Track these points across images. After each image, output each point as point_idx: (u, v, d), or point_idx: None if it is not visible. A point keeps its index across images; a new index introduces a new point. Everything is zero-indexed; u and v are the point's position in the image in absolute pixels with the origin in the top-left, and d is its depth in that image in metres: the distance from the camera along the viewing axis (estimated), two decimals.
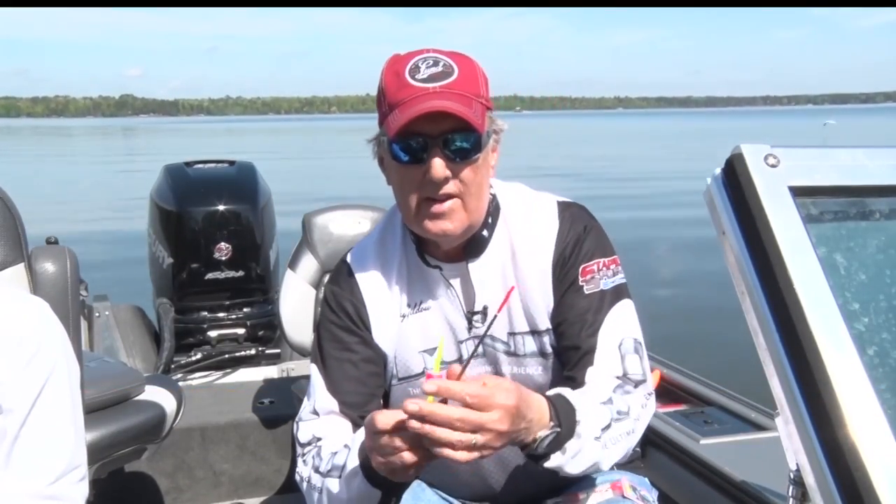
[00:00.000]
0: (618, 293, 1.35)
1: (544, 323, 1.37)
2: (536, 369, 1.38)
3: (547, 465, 1.15)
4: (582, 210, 1.42)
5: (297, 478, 1.37)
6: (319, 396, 1.39)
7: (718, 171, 0.81)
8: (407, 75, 1.26)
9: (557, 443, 1.14)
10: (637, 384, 1.30)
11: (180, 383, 2.46)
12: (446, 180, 1.26)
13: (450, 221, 1.29)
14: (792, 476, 1.16)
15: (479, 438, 1.03)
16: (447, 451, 1.03)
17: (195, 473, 2.88)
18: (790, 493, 1.16)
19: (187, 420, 2.60)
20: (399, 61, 1.30)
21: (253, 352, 3.67)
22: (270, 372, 3.59)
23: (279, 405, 3.03)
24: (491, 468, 1.43)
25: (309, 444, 1.37)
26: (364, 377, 1.40)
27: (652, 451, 2.03)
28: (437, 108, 1.22)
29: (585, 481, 1.45)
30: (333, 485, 1.26)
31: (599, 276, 1.35)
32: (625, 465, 1.52)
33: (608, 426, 1.22)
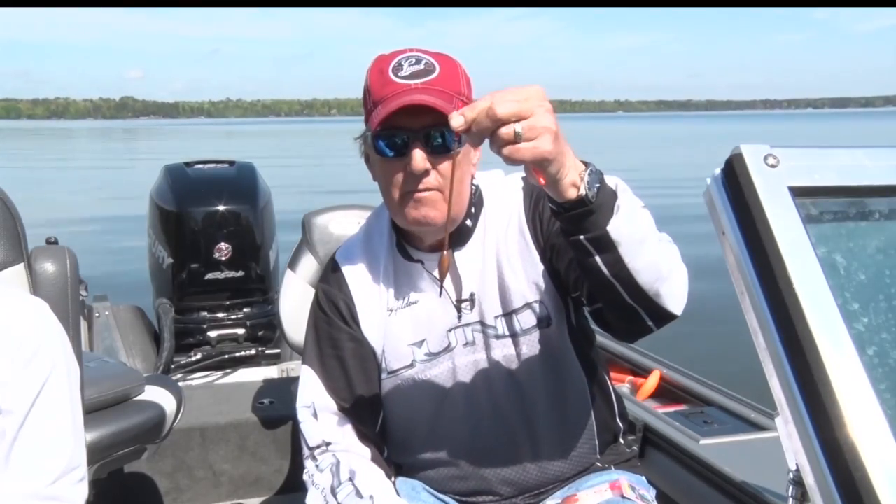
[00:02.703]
0: None
1: (520, 299, 1.38)
2: (519, 348, 1.40)
3: (610, 227, 1.08)
4: None
5: (307, 479, 1.38)
6: (317, 396, 1.41)
7: (718, 171, 0.82)
8: (390, 73, 1.30)
9: (605, 196, 1.08)
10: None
11: (180, 383, 2.46)
12: (427, 173, 1.29)
13: (431, 210, 1.32)
14: (792, 476, 1.16)
15: (520, 125, 0.97)
16: (504, 151, 0.98)
17: (195, 474, 2.87)
18: (790, 494, 1.16)
19: (187, 420, 2.59)
20: (383, 60, 1.33)
21: (253, 352, 3.67)
22: (270, 372, 3.59)
23: (279, 405, 3.02)
24: (486, 465, 1.44)
25: (319, 447, 1.38)
26: (357, 373, 1.42)
27: (651, 450, 2.03)
28: (417, 101, 1.25)
29: (583, 481, 1.46)
30: None
31: None
32: (623, 464, 1.52)
33: (644, 206, 1.19)
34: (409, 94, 1.27)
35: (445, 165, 1.30)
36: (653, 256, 1.15)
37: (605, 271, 1.12)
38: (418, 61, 1.31)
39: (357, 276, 1.44)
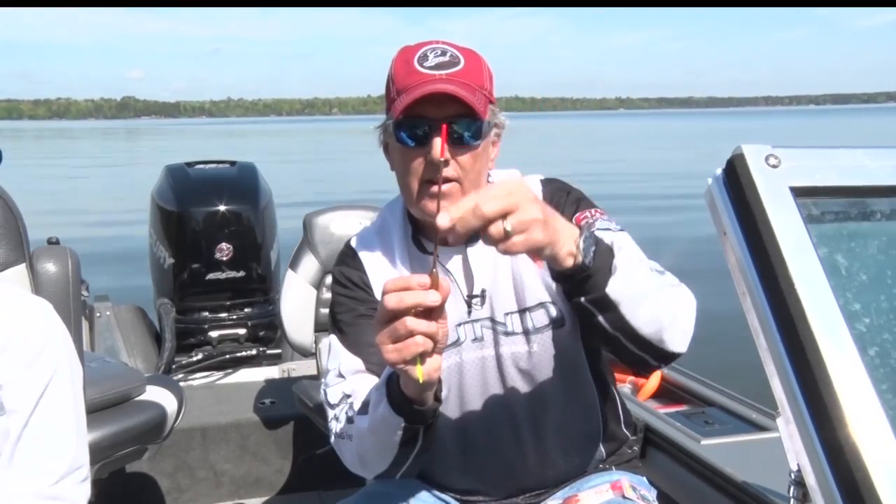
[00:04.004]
0: (618, 231, 1.34)
1: (534, 298, 1.38)
2: (529, 347, 1.39)
3: (609, 288, 1.11)
4: (564, 182, 1.47)
5: (331, 438, 1.35)
6: (344, 360, 1.38)
7: (719, 171, 0.82)
8: (415, 63, 1.31)
9: (602, 259, 1.11)
10: (663, 272, 1.27)
11: (181, 384, 2.46)
12: (446, 163, 1.29)
13: (448, 203, 1.31)
14: (793, 476, 1.16)
15: (508, 223, 1.00)
16: (498, 247, 1.01)
17: (196, 474, 2.88)
18: (791, 494, 1.16)
19: (188, 420, 2.60)
20: (409, 50, 1.35)
21: (254, 352, 3.68)
22: (271, 372, 3.59)
23: (280, 405, 3.03)
24: (488, 464, 1.44)
25: (339, 403, 1.35)
26: None
27: (653, 451, 2.03)
28: (442, 90, 1.26)
29: (584, 482, 1.46)
30: (361, 421, 1.25)
31: (593, 219, 1.36)
32: (624, 464, 1.52)
33: (643, 261, 1.21)
34: (434, 84, 1.28)
35: (465, 157, 1.31)
36: (654, 309, 1.18)
37: (608, 328, 1.17)
38: (444, 53, 1.32)
39: (373, 260, 1.44)
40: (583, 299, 1.13)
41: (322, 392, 1.41)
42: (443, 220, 0.99)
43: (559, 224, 1.08)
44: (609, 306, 1.14)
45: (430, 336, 1.00)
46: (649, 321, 1.18)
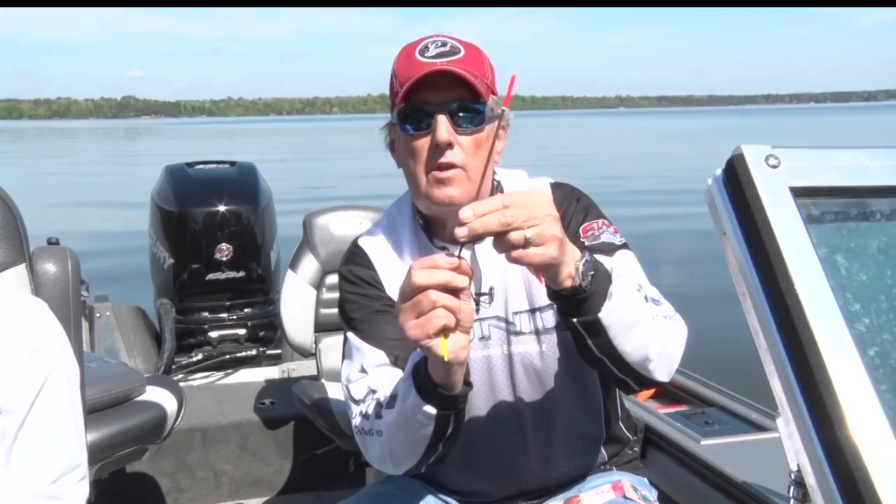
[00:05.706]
0: (622, 245, 1.37)
1: (544, 299, 1.35)
2: (538, 347, 1.39)
3: (602, 313, 1.12)
4: (574, 188, 1.47)
5: (356, 432, 1.33)
6: (365, 354, 1.36)
7: (719, 171, 0.82)
8: (417, 54, 1.32)
9: (599, 283, 1.12)
10: (659, 302, 1.28)
11: (181, 384, 2.46)
12: (451, 146, 1.30)
13: (455, 188, 1.31)
14: (793, 476, 1.16)
15: (530, 232, 1.00)
16: (513, 254, 1.01)
17: (196, 474, 2.88)
18: (791, 494, 1.16)
19: (188, 421, 2.60)
20: (410, 45, 1.36)
21: (254, 352, 3.68)
22: (271, 372, 3.60)
23: (280, 406, 3.03)
24: (490, 465, 1.43)
25: (364, 398, 1.32)
26: (398, 330, 1.37)
27: (652, 451, 2.03)
28: (443, 69, 1.28)
29: (586, 482, 1.46)
30: (389, 415, 1.23)
31: (599, 231, 1.38)
32: (624, 465, 1.52)
33: (640, 289, 1.22)
34: (435, 68, 1.29)
35: (470, 142, 1.31)
36: (643, 339, 1.19)
37: (595, 351, 1.18)
38: (444, 44, 1.34)
39: (382, 258, 1.43)
40: (575, 320, 1.14)
41: (344, 388, 1.38)
42: (465, 213, 0.98)
43: (567, 243, 1.08)
44: (599, 331, 1.14)
45: (453, 311, 0.99)
46: (637, 350, 1.19)
